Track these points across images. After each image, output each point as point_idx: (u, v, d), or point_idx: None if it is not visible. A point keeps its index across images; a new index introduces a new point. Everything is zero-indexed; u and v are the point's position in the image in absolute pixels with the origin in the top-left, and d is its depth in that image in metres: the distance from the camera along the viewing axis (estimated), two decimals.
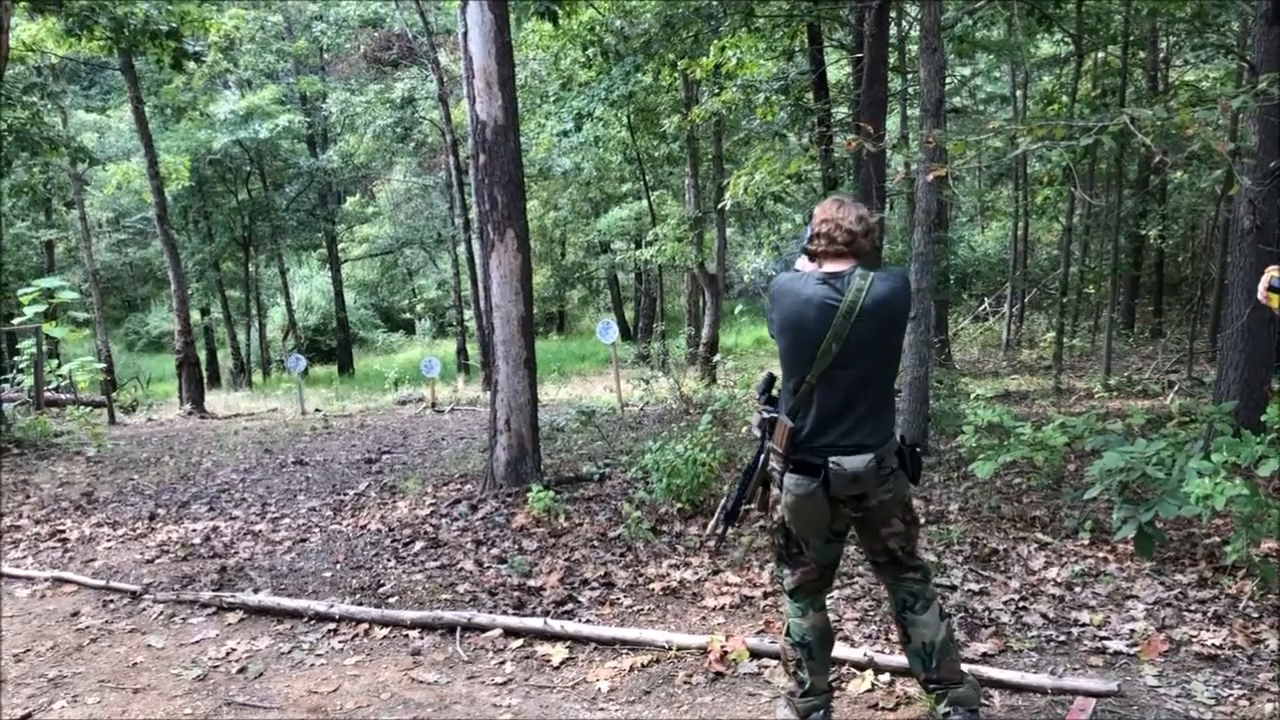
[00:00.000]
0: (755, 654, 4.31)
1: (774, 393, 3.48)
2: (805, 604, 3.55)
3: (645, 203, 22.88)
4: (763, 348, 23.90)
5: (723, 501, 3.68)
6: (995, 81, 22.39)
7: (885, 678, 4.06)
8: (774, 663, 4.24)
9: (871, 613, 4.80)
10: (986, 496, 6.82)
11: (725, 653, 4.33)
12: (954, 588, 5.07)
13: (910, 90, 13.31)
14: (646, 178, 22.23)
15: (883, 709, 3.83)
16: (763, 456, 3.44)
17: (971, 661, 4.10)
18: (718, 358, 15.18)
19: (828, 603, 4.91)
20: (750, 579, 5.32)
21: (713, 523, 3.69)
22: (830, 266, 3.32)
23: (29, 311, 15.79)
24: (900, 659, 4.13)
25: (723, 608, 4.98)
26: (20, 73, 17.15)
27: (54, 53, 17.98)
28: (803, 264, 3.62)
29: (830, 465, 3.22)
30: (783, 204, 14.64)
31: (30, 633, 5.37)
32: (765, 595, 5.08)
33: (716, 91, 13.29)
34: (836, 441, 3.25)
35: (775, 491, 3.42)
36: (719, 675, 4.23)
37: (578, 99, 15.77)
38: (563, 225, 31.59)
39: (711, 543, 3.74)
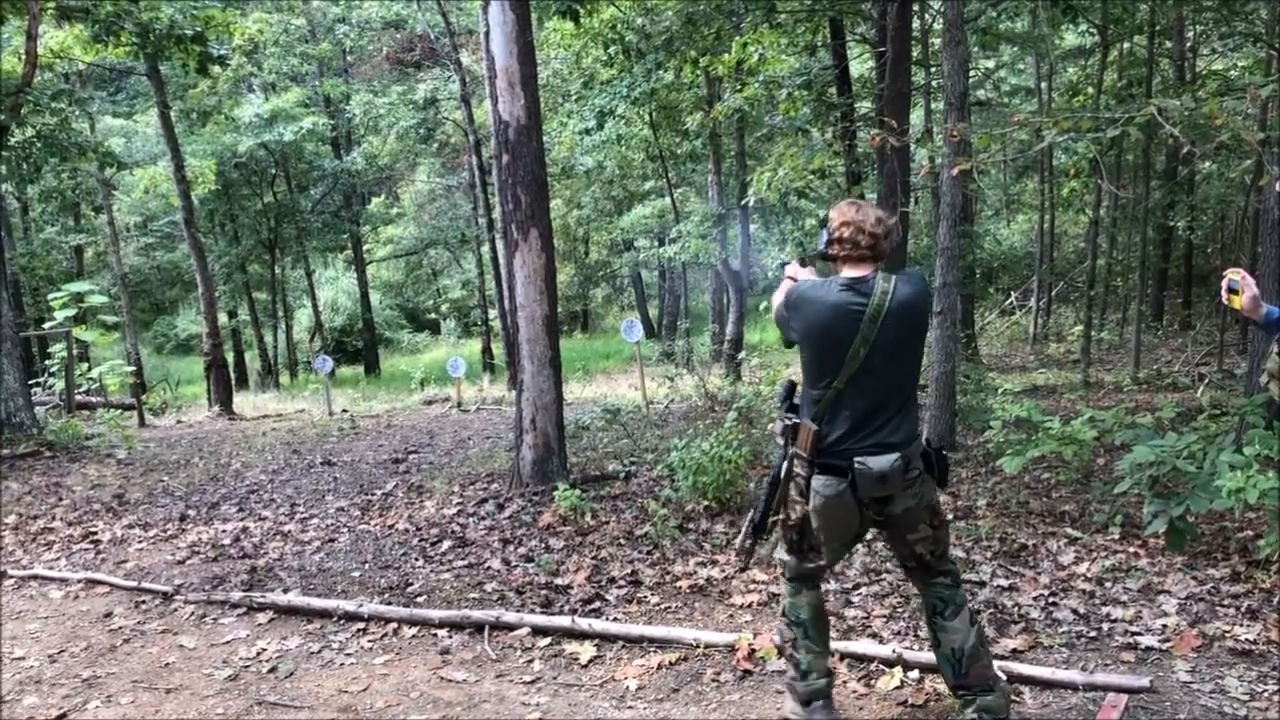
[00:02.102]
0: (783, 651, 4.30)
1: (795, 399, 3.46)
2: (800, 584, 3.55)
3: (668, 200, 22.88)
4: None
5: (749, 515, 3.65)
6: (1020, 74, 22.23)
7: (914, 674, 4.04)
8: None
9: (900, 610, 4.78)
10: (1015, 491, 6.77)
11: (753, 650, 4.32)
12: (983, 583, 5.04)
13: (934, 84, 13.24)
14: (669, 175, 22.23)
15: (912, 705, 3.81)
16: (786, 464, 3.42)
17: (1001, 658, 4.08)
18: (742, 354, 15.16)
19: (854, 599, 4.91)
20: (777, 576, 5.31)
21: (741, 537, 3.69)
22: (851, 271, 3.29)
23: (59, 316, 15.97)
24: (929, 655, 4.12)
25: (750, 605, 4.98)
26: (48, 79, 17.31)
27: (81, 59, 18.16)
28: (794, 269, 3.62)
29: (856, 465, 3.21)
30: (806, 200, 14.59)
31: (64, 633, 5.43)
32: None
33: (739, 88, 13.27)
34: (862, 443, 3.23)
35: (794, 495, 3.41)
36: (747, 673, 4.22)
37: (600, 97, 15.82)
38: (586, 224, 31.67)
39: (741, 557, 3.77)
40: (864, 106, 14.07)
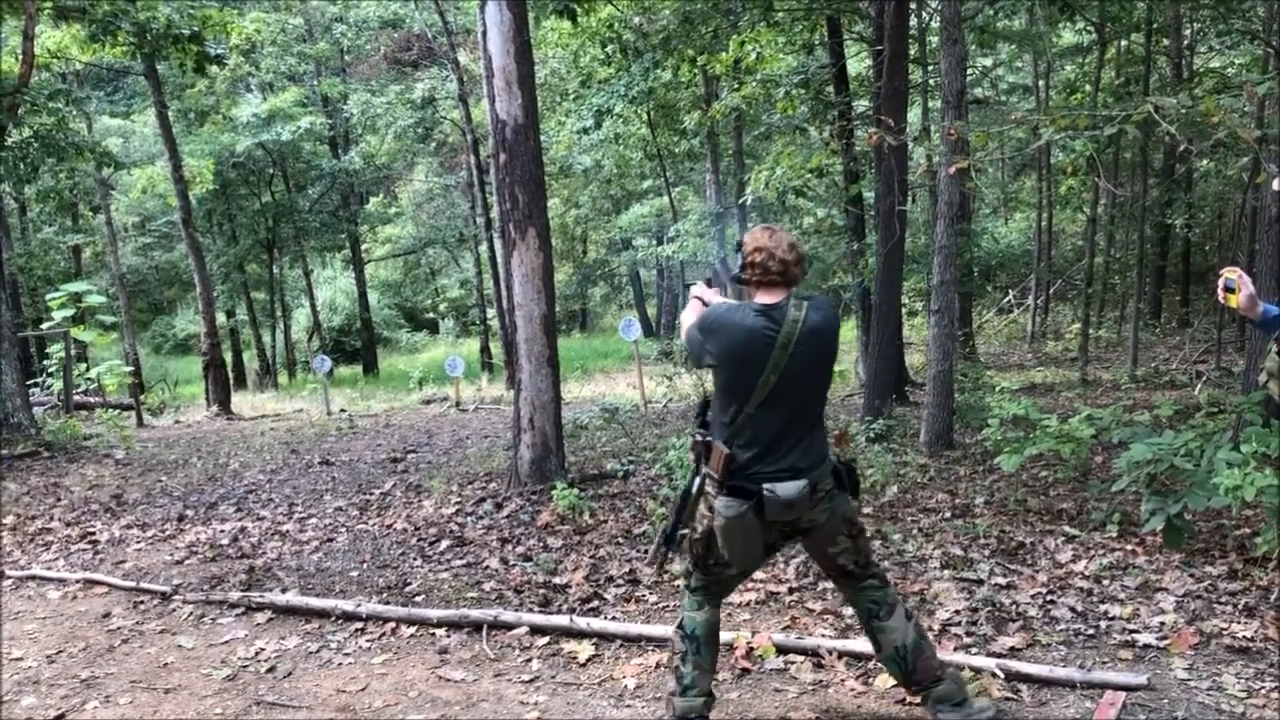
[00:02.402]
0: (781, 649, 4.30)
1: (708, 417, 3.49)
2: (704, 599, 3.57)
3: (666, 199, 22.89)
4: None
5: (661, 526, 3.66)
6: (1017, 72, 22.22)
7: None
8: (801, 658, 4.24)
9: None
10: (1013, 490, 6.78)
11: (751, 649, 4.32)
12: (980, 581, 5.04)
13: (931, 82, 13.23)
14: (667, 174, 22.24)
15: (909, 703, 3.81)
16: (698, 480, 3.44)
17: (999, 655, 4.09)
18: None
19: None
20: (775, 575, 5.31)
21: (653, 548, 3.70)
22: (764, 297, 3.33)
23: (57, 316, 15.97)
24: None
25: (748, 604, 4.98)
26: (45, 79, 17.30)
27: (78, 59, 18.16)
28: (701, 289, 3.63)
29: (765, 491, 3.24)
30: (804, 198, 14.57)
31: (63, 634, 5.43)
32: (790, 591, 5.08)
33: (736, 87, 13.26)
34: (771, 468, 3.27)
35: (702, 509, 3.43)
36: (745, 671, 4.23)
37: (597, 96, 15.82)
38: (584, 223, 31.68)
39: (654, 566, 3.81)
40: (862, 105, 14.08)
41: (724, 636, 4.41)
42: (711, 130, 17.31)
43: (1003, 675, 3.87)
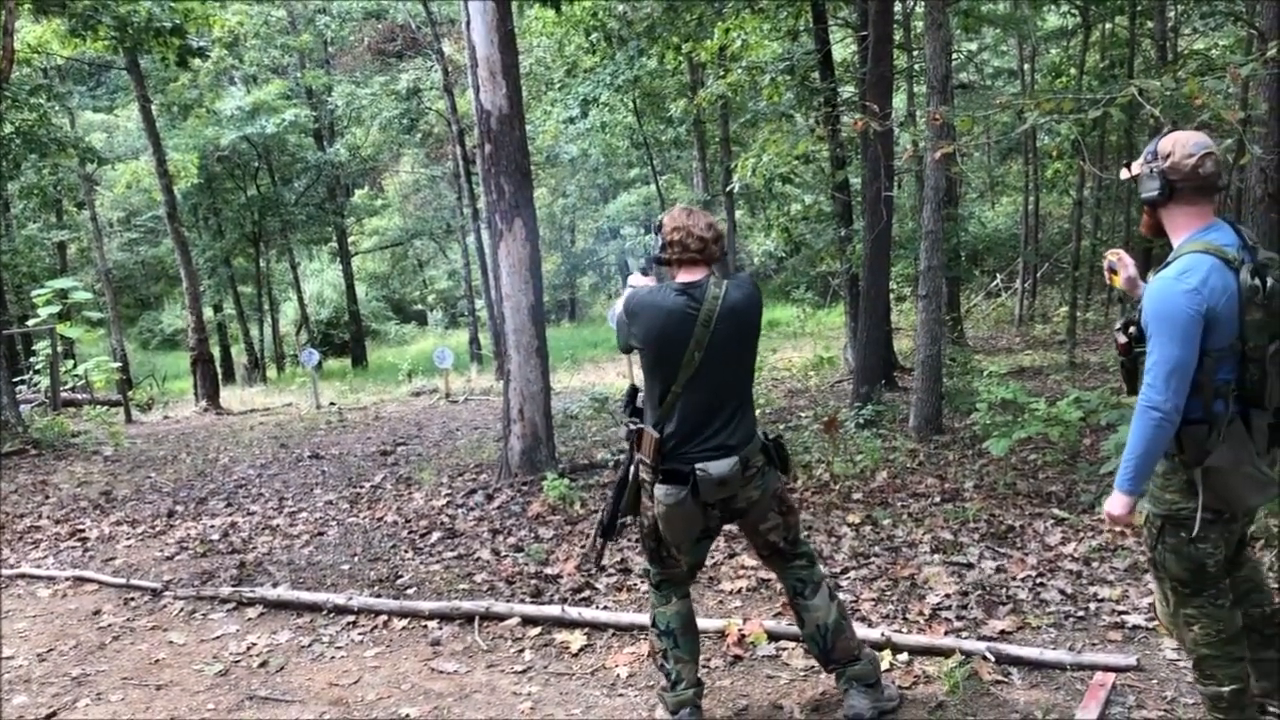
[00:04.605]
0: (773, 636, 4.31)
1: (638, 404, 3.53)
2: (669, 592, 3.61)
3: (654, 187, 22.86)
4: (774, 330, 23.87)
5: (598, 517, 3.71)
6: (1002, 56, 22.23)
7: (904, 657, 4.06)
8: (792, 645, 4.25)
9: (888, 593, 4.80)
10: (1002, 473, 6.80)
11: (743, 635, 4.34)
12: (971, 565, 5.06)
13: (916, 67, 13.22)
14: (654, 162, 22.21)
15: (900, 687, 3.82)
16: (632, 468, 3.49)
17: (989, 639, 4.10)
18: None
19: (843, 583, 4.92)
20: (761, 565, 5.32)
21: (590, 540, 3.73)
22: (685, 276, 3.37)
23: (43, 313, 15.89)
24: (918, 638, 4.15)
25: (739, 591, 4.99)
26: (26, 74, 17.18)
27: (59, 54, 18.03)
28: (636, 279, 3.65)
29: (697, 471, 3.28)
30: (791, 185, 14.58)
31: (53, 632, 5.41)
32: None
33: (722, 74, 13.24)
34: (702, 447, 3.32)
35: (645, 500, 3.48)
36: (737, 658, 4.24)
37: (583, 85, 15.79)
38: (571, 212, 31.64)
39: (592, 558, 3.87)
40: (847, 91, 14.06)
41: (716, 624, 4.45)
42: (698, 118, 17.30)
43: (993, 659, 3.89)
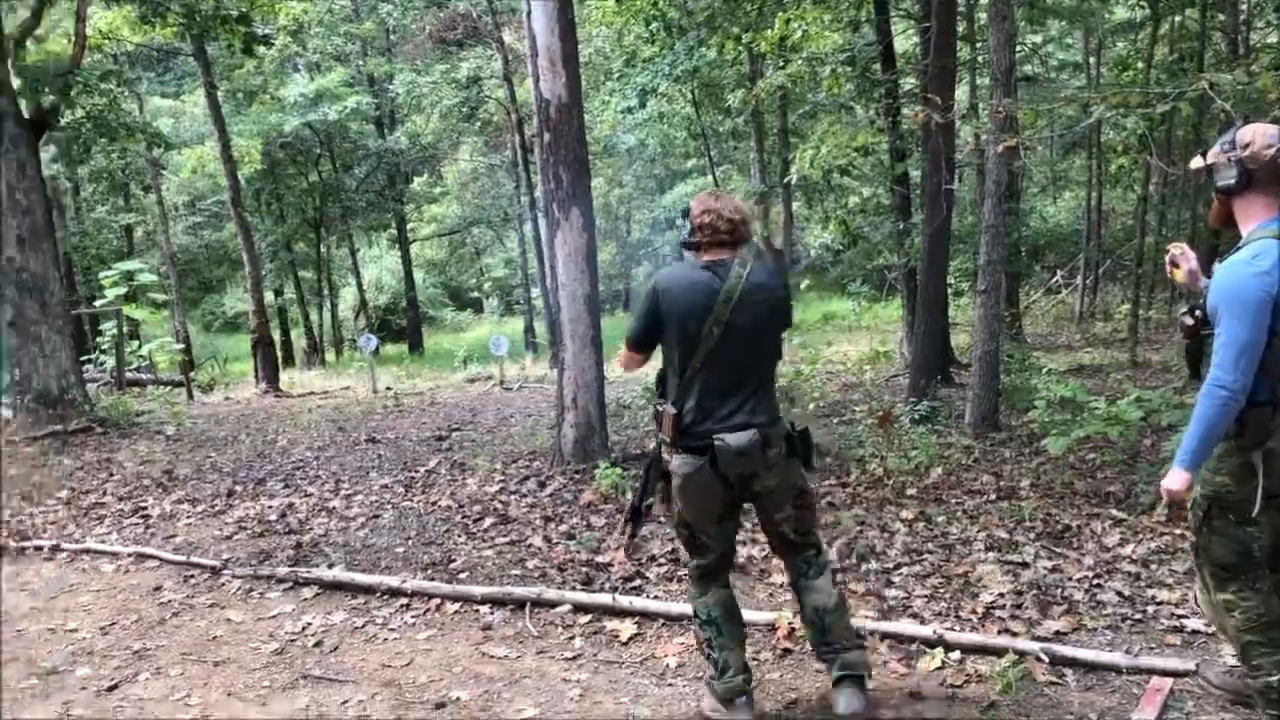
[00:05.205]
0: None
1: (665, 387, 3.58)
2: (708, 582, 3.65)
3: (710, 178, 22.78)
4: (829, 324, 23.72)
5: (629, 502, 3.74)
6: (1067, 49, 21.84)
7: (956, 655, 4.02)
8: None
9: (941, 590, 4.76)
10: (1059, 472, 6.70)
11: (793, 629, 4.32)
12: (1026, 565, 5.00)
13: (979, 59, 13.05)
14: (711, 153, 22.13)
15: (951, 686, 3.80)
16: (658, 451, 3.56)
17: (1044, 639, 4.06)
18: (795, 337, 15.07)
19: (895, 579, 4.89)
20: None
21: (620, 525, 3.75)
22: (711, 256, 3.44)
23: (110, 294, 16.25)
24: (971, 636, 4.11)
25: (790, 584, 4.96)
26: (97, 60, 17.53)
27: (129, 40, 18.38)
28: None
29: (715, 442, 3.32)
30: (849, 177, 14.45)
31: (116, 606, 5.54)
32: (834, 572, 5.06)
33: (781, 65, 13.16)
34: (721, 422, 3.36)
35: (668, 481, 3.51)
36: (787, 651, 4.23)
37: (642, 75, 15.76)
38: (627, 202, 31.63)
39: (625, 544, 3.92)
40: (909, 83, 13.91)
41: (767, 617, 4.44)
42: (756, 109, 17.20)
43: (1048, 659, 3.85)
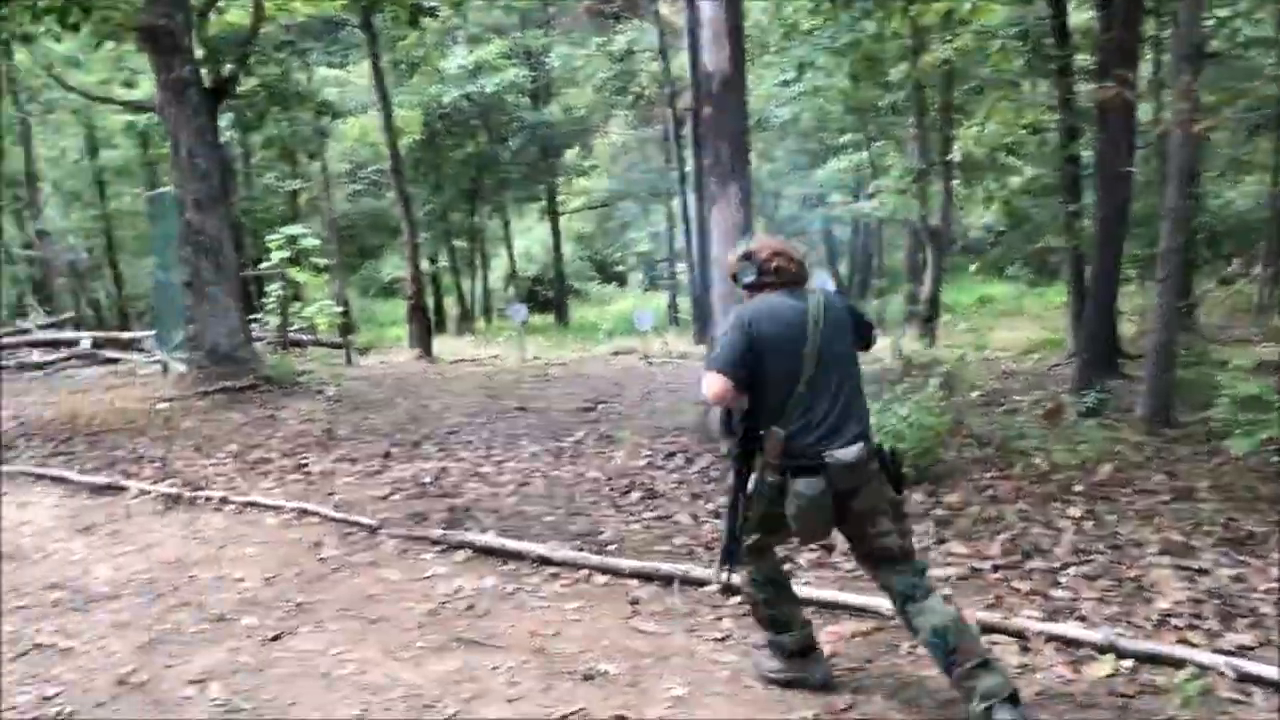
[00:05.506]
0: (985, 629, 4.12)
1: (734, 424, 3.67)
2: (764, 554, 3.78)
3: (865, 154, 22.25)
4: (984, 308, 22.99)
5: (722, 545, 3.82)
6: (1257, 24, 20.47)
7: (1128, 663, 3.80)
8: (1007, 639, 4.06)
9: (1111, 593, 4.51)
10: (1240, 474, 6.29)
11: None
12: (1205, 571, 4.70)
13: (1163, 34, 12.34)
14: (868, 128, 21.59)
15: (1121, 695, 3.59)
16: (753, 482, 3.62)
17: (1227, 653, 3.80)
18: (946, 317, 14.61)
19: (1062, 580, 4.66)
20: (978, 550, 5.10)
21: (715, 569, 3.98)
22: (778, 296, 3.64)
23: (275, 257, 16.88)
24: (1146, 644, 3.89)
25: (948, 579, 4.80)
26: (271, 32, 18.17)
27: (301, 12, 18.98)
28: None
29: (827, 459, 3.41)
30: (1015, 156, 13.90)
31: (279, 559, 5.75)
32: (995, 569, 4.86)
33: (949, 38, 12.70)
34: (828, 441, 3.45)
35: (767, 505, 3.59)
36: None
37: (800, 48, 15.47)
38: (778, 178, 31.18)
39: (721, 584, 4.26)
40: (1083, 59, 13.26)
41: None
42: (918, 83, 16.68)
43: (1233, 674, 3.60)
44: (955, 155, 12.67)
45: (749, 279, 3.68)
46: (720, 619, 4.51)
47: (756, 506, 3.62)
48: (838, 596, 4.57)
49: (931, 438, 6.30)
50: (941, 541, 5.28)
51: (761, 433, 3.54)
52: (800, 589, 4.63)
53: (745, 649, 4.19)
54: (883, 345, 12.04)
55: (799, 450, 3.45)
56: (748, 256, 3.71)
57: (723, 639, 4.31)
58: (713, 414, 7.54)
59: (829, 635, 4.23)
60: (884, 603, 4.39)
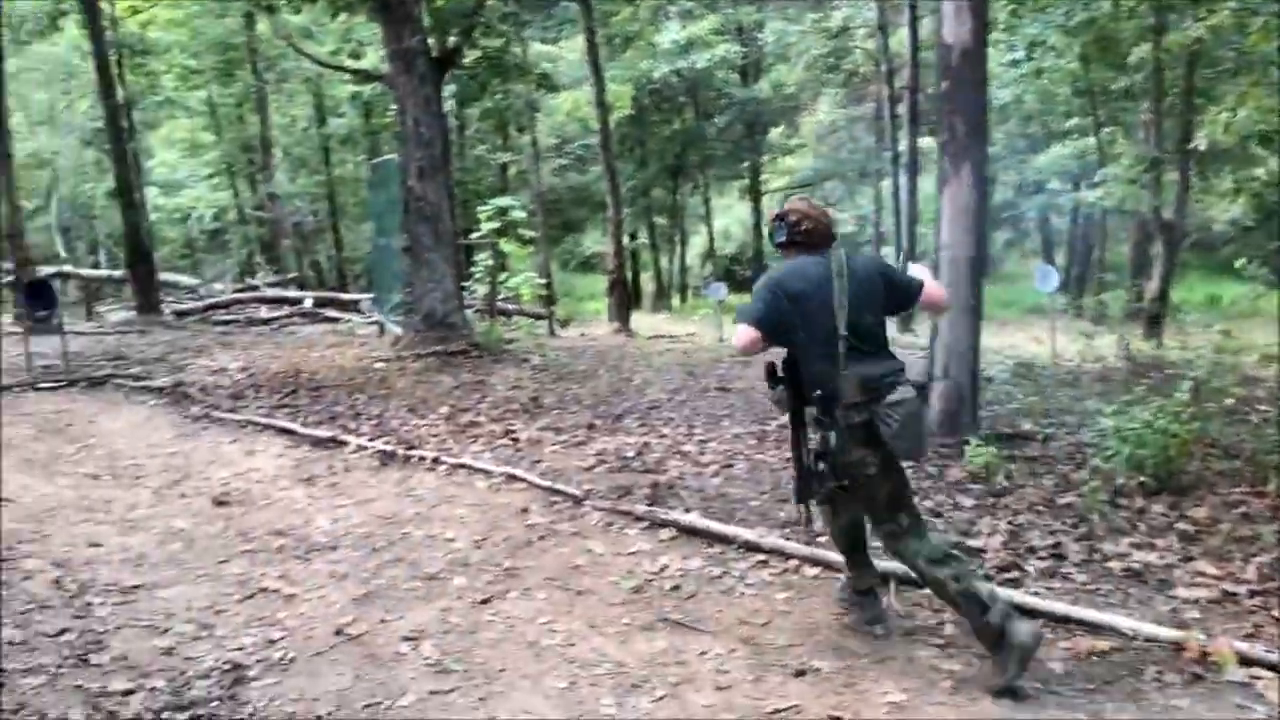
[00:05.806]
0: (1245, 661, 3.73)
1: (779, 375, 4.02)
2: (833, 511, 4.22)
3: (1093, 139, 21.00)
4: (1212, 310, 21.36)
5: (794, 486, 4.22)
6: None
7: None
8: (1269, 674, 3.65)
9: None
10: None
11: (1206, 653, 3.79)
12: None
13: None
14: (1097, 112, 20.36)
15: None
16: (834, 436, 3.83)
17: None
18: (1186, 316, 13.55)
19: None
20: (1232, 572, 4.62)
21: (796, 490, 4.23)
22: (806, 255, 3.99)
23: (485, 228, 17.29)
24: None
25: (1197, 601, 4.37)
26: (493, 5, 18.57)
27: None
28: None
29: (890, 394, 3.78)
30: (1269, 148, 12.75)
31: (488, 522, 5.81)
32: (1251, 594, 4.40)
33: (1201, 15, 11.72)
34: (885, 376, 3.81)
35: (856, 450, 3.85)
36: (1196, 678, 3.72)
37: (1031, 26, 14.69)
38: (994, 161, 29.90)
39: (802, 524, 4.38)
40: None
41: (1170, 633, 3.97)
42: (1158, 65, 15.57)
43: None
44: (1200, 143, 11.70)
45: (780, 239, 4.05)
46: (941, 624, 4.25)
47: (845, 454, 3.83)
48: (1070, 610, 4.24)
49: (1176, 446, 5.79)
50: (1188, 559, 4.83)
51: (818, 391, 3.82)
52: (1027, 599, 4.35)
53: (969, 658, 3.93)
54: (1107, 342, 11.33)
55: (874, 382, 3.76)
56: (780, 218, 4.07)
57: (944, 646, 4.06)
58: (932, 406, 7.18)
59: (1061, 652, 3.93)
60: (1123, 620, 4.09)
